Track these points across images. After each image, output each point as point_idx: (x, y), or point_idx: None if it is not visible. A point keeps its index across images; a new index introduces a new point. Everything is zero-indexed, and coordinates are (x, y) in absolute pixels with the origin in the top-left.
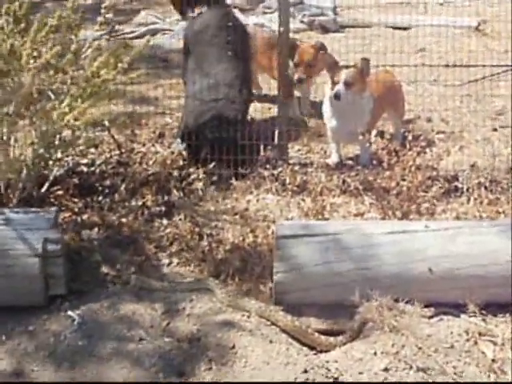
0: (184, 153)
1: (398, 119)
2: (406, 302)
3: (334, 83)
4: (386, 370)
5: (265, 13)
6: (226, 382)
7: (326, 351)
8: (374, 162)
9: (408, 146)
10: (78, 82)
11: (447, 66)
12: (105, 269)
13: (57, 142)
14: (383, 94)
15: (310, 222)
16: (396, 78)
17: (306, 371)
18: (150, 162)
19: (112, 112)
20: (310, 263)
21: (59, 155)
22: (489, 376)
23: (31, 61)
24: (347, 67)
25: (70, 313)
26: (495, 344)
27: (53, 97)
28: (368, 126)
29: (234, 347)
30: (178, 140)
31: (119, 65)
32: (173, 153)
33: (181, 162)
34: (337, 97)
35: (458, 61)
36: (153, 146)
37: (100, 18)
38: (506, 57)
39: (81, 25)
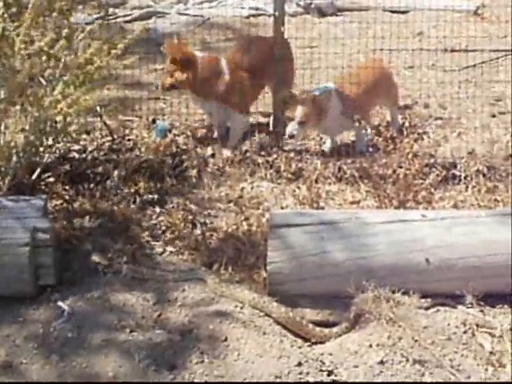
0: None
1: (392, 106)
2: (403, 293)
3: (289, 119)
4: (381, 362)
5: None
6: (222, 383)
7: (320, 343)
8: (371, 149)
9: (405, 133)
10: (70, 69)
11: (446, 50)
12: (96, 258)
13: (48, 129)
14: (372, 84)
15: (304, 211)
16: (385, 65)
17: (299, 364)
18: (143, 149)
19: (104, 97)
20: (305, 253)
21: (50, 142)
22: (486, 369)
23: (22, 46)
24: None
25: (59, 303)
26: (493, 336)
27: (44, 83)
28: (355, 117)
29: (226, 339)
30: (157, 125)
31: (113, 51)
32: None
33: (174, 149)
34: (291, 137)
35: (457, 45)
36: (146, 132)
37: (93, 3)
38: (506, 41)
39: (73, 9)
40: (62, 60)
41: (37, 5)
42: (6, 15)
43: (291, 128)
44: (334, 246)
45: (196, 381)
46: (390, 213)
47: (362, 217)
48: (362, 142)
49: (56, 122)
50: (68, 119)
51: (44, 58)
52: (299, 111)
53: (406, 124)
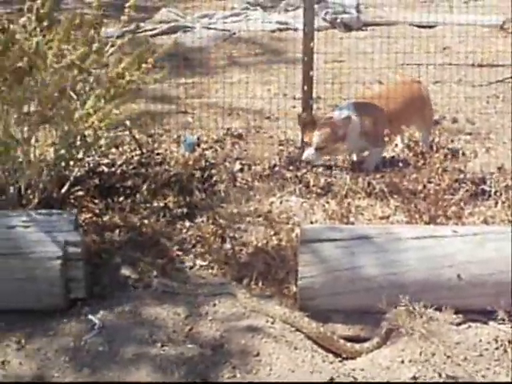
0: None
1: (424, 130)
2: (435, 309)
3: (307, 144)
4: (414, 378)
5: (287, 10)
6: (248, 383)
7: (351, 358)
8: (401, 164)
9: (435, 148)
10: (101, 83)
11: (473, 65)
12: (126, 271)
13: (78, 143)
14: (405, 108)
15: (336, 226)
16: (423, 88)
17: (332, 379)
18: (172, 163)
19: (133, 111)
20: (336, 268)
21: (80, 155)
22: None
23: (54, 60)
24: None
25: (90, 317)
26: None
27: (75, 97)
28: (377, 139)
29: (258, 354)
30: (186, 139)
31: (143, 65)
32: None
33: (203, 163)
34: (308, 162)
35: (484, 60)
36: (174, 146)
37: (124, 17)
38: None
39: (103, 23)
40: (93, 74)
41: (69, 19)
42: (37, 29)
43: (308, 154)
44: (366, 261)
45: None
46: (421, 228)
47: (393, 232)
48: (372, 161)
49: (85, 136)
50: (98, 133)
51: (76, 71)
52: (317, 137)
53: (436, 139)
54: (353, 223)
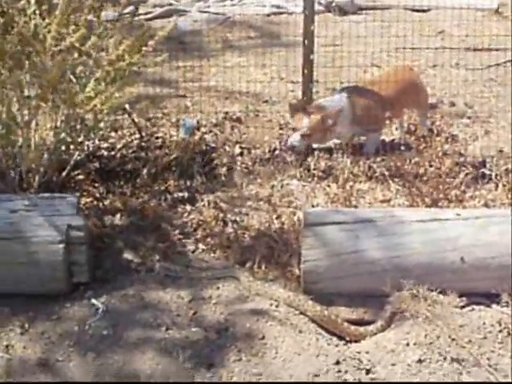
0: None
1: (421, 114)
2: (439, 292)
3: (295, 129)
4: (419, 361)
5: None
6: (257, 383)
7: (355, 341)
8: (402, 147)
9: (435, 132)
10: (101, 66)
11: (469, 49)
12: (128, 255)
13: (78, 127)
14: (400, 94)
15: (339, 209)
16: (417, 75)
17: (338, 362)
18: (172, 146)
19: (132, 95)
20: (340, 251)
21: (81, 139)
22: None
23: (53, 43)
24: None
25: (93, 301)
26: None
27: (74, 80)
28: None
29: (263, 337)
30: (185, 123)
31: (144, 48)
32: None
33: (203, 147)
34: (291, 148)
35: (480, 44)
36: (174, 130)
37: (124, 0)
38: None
39: (103, 6)
40: (93, 57)
41: (67, 2)
42: (37, 12)
43: (293, 139)
44: (369, 244)
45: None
46: (425, 211)
47: (396, 215)
48: (369, 144)
49: (85, 120)
50: (99, 116)
51: (76, 54)
52: (305, 123)
53: (437, 123)
54: (356, 206)
